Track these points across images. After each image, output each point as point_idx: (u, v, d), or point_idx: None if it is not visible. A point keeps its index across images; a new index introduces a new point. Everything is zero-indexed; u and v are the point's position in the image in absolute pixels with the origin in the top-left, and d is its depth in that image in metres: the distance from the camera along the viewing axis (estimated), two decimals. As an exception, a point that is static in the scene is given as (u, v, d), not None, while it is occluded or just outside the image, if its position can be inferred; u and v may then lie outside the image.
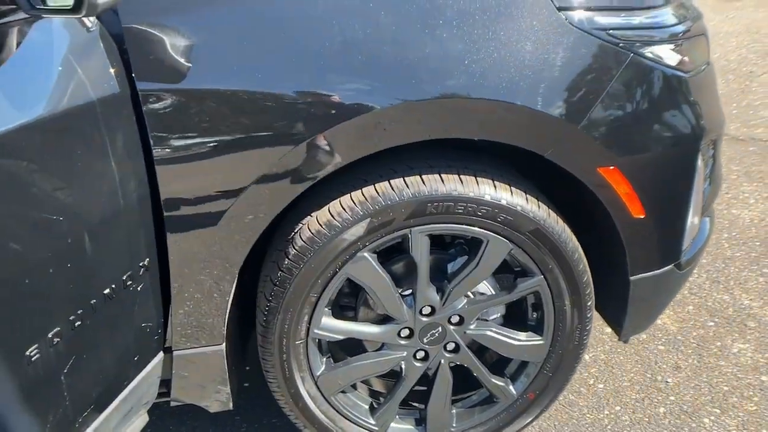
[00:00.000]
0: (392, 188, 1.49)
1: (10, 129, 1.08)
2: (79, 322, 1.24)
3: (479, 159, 1.62)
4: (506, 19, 1.43)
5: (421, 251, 1.56)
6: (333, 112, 1.36)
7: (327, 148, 1.40)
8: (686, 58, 1.62)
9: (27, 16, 1.18)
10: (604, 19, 1.50)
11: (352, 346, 1.74)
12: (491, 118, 1.44)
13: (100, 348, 1.33)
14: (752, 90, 4.47)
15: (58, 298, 1.19)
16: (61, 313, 1.20)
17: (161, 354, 1.55)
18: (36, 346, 1.15)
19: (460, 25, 1.40)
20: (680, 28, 1.61)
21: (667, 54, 1.59)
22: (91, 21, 1.32)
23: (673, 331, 2.28)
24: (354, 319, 1.70)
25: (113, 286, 1.32)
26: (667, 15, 1.60)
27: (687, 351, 2.19)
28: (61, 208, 1.18)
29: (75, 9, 0.99)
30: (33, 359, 1.15)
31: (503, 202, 1.52)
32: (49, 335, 1.18)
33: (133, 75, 1.32)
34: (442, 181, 1.50)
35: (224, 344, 1.58)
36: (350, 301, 1.75)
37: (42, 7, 1.06)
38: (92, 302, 1.27)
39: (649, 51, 1.55)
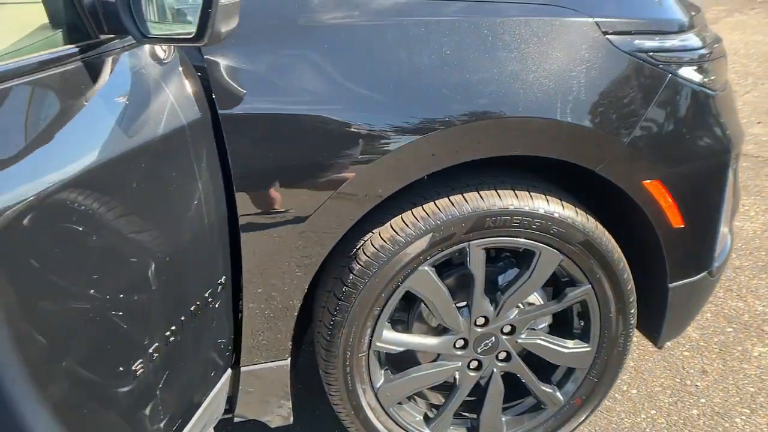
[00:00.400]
0: (452, 204, 1.56)
1: (117, 154, 1.13)
2: (173, 338, 1.29)
3: (524, 175, 1.70)
4: (558, 43, 1.52)
5: (477, 264, 1.63)
6: (402, 132, 1.43)
7: (395, 166, 1.47)
8: (713, 78, 1.72)
9: (124, 45, 1.24)
10: (643, 42, 1.60)
11: (400, 359, 1.79)
12: (549, 136, 1.53)
13: (186, 363, 1.38)
14: (738, 109, 4.64)
15: (157, 314, 1.24)
16: (160, 329, 1.25)
17: (229, 370, 1.60)
18: (141, 361, 1.20)
19: (518, 50, 1.49)
20: (706, 50, 1.72)
21: (697, 74, 1.69)
22: (165, 50, 1.38)
23: (696, 338, 2.37)
24: (405, 331, 1.76)
25: (198, 303, 1.37)
26: (694, 38, 1.70)
27: (711, 356, 2.29)
28: (162, 229, 1.23)
29: (197, 38, 1.04)
30: (138, 374, 1.19)
31: (556, 215, 1.60)
32: (150, 350, 1.23)
33: (214, 99, 1.38)
34: (499, 196, 1.58)
35: (289, 359, 1.63)
36: (400, 315, 1.80)
37: (154, 35, 1.12)
38: (182, 319, 1.32)
39: (682, 71, 1.65)
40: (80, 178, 1.05)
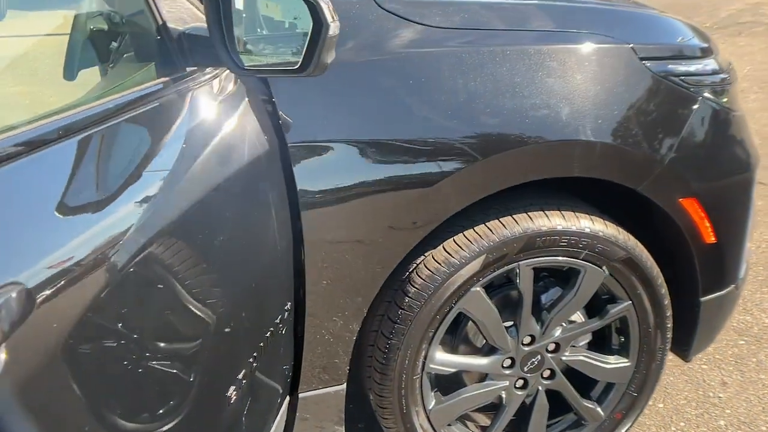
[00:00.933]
0: (503, 225, 1.61)
1: (210, 187, 1.15)
2: (255, 364, 1.30)
3: (561, 195, 1.76)
4: (602, 69, 1.60)
5: (526, 283, 1.68)
6: (461, 156, 1.48)
7: (455, 189, 1.51)
8: (732, 99, 1.82)
9: (205, 77, 1.26)
10: (675, 67, 1.69)
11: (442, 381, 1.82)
12: (597, 157, 1.59)
13: (260, 390, 1.39)
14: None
15: (245, 341, 1.25)
16: (246, 354, 1.26)
17: (288, 397, 1.60)
18: (233, 387, 1.21)
19: (566, 76, 1.56)
20: (725, 74, 1.81)
21: (720, 96, 1.78)
22: (235, 81, 1.40)
23: (711, 351, 2.45)
24: (451, 352, 1.79)
25: (271, 329, 1.38)
26: (715, 63, 1.80)
27: (728, 368, 2.36)
28: (248, 256, 1.25)
29: (302, 68, 1.08)
30: (232, 401, 1.20)
31: (600, 234, 1.66)
32: (240, 376, 1.24)
33: (282, 128, 1.41)
34: (547, 216, 1.63)
35: (345, 384, 1.65)
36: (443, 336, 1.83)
37: (250, 67, 1.15)
38: (260, 345, 1.33)
39: (709, 93, 1.74)
40: (180, 212, 1.07)
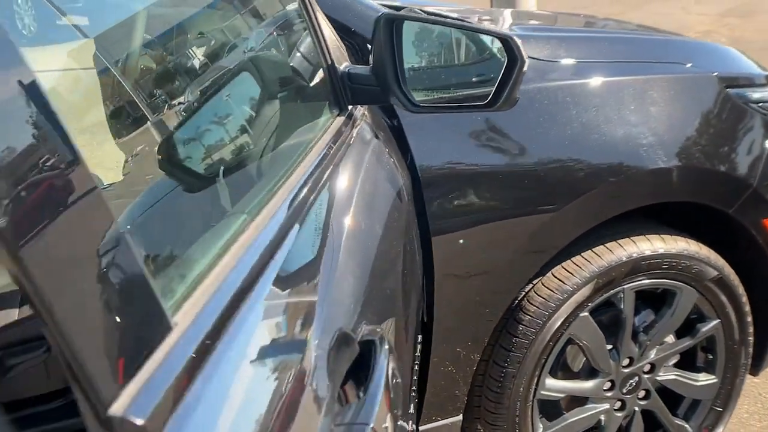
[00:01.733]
0: (609, 250, 1.66)
1: (385, 224, 1.16)
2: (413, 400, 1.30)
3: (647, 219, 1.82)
4: (696, 97, 1.68)
5: (629, 307, 1.72)
6: (580, 185, 1.53)
7: (576, 216, 1.55)
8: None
9: (360, 114, 1.28)
10: (750, 94, 1.78)
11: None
12: (701, 182, 1.66)
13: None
14: None
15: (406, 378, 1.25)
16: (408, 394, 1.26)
17: (409, 431, 1.60)
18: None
19: (667, 106, 1.62)
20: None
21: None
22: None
23: (758, 365, 2.53)
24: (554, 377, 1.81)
25: (416, 362, 1.38)
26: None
27: (778, 381, 2.45)
28: (411, 295, 1.25)
29: (491, 103, 1.10)
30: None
31: (696, 255, 1.72)
32: (411, 411, 1.23)
33: (415, 161, 1.43)
34: (649, 240, 1.68)
35: (462, 414, 1.65)
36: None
37: (425, 103, 1.17)
38: (414, 378, 1.33)
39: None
40: (372, 252, 1.08)
